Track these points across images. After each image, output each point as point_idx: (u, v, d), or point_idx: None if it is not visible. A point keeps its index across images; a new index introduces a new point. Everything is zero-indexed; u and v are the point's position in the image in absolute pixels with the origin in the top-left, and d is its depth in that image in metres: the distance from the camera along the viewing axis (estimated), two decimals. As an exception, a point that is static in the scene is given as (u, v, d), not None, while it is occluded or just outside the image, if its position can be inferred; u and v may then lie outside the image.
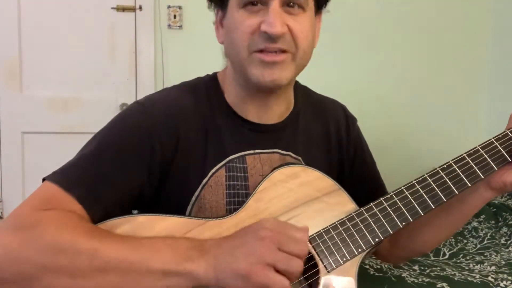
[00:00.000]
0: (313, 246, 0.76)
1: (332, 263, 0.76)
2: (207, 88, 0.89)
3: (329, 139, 0.96)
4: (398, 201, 0.79)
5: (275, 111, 0.89)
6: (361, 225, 0.78)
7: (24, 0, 2.33)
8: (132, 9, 2.39)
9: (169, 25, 2.43)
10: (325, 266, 0.76)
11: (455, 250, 1.46)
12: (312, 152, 0.93)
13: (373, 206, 0.79)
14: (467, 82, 2.66)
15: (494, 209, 1.78)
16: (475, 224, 1.65)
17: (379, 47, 2.54)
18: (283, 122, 0.90)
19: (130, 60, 2.43)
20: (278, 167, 0.83)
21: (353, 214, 0.79)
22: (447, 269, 1.29)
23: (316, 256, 0.76)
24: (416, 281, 1.17)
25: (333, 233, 0.77)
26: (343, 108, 1.01)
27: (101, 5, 2.37)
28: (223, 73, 0.90)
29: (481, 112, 2.62)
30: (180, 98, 0.86)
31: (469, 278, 1.21)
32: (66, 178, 0.75)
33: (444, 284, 1.15)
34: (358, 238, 0.77)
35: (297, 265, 0.66)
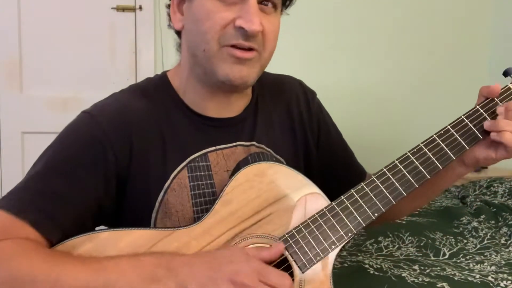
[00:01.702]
0: (285, 248, 0.75)
1: (306, 263, 0.74)
2: (157, 88, 0.85)
3: (291, 118, 0.93)
4: (369, 192, 0.77)
5: (236, 106, 0.86)
6: (333, 221, 0.76)
7: (24, 0, 2.33)
8: (132, 9, 2.39)
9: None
10: (299, 267, 0.74)
11: (455, 250, 1.46)
12: (276, 137, 0.90)
13: (345, 200, 0.77)
14: (467, 82, 2.66)
15: (494, 209, 1.78)
16: (475, 224, 1.65)
17: (379, 47, 2.54)
18: (242, 113, 0.87)
19: (130, 60, 2.43)
20: (243, 167, 0.79)
21: (325, 210, 0.77)
22: (447, 269, 1.28)
23: (289, 257, 0.74)
24: (416, 280, 1.17)
25: (305, 231, 0.75)
26: (300, 83, 0.98)
27: (101, 5, 2.37)
28: (175, 71, 0.86)
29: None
30: (130, 102, 0.82)
31: (469, 278, 1.21)
32: (15, 202, 0.70)
33: (444, 284, 1.15)
34: (331, 235, 0.75)
35: None
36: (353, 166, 0.91)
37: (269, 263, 0.71)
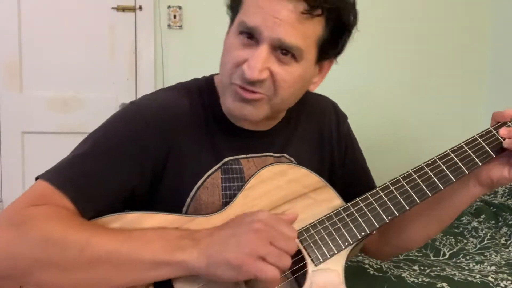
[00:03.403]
0: (300, 241, 0.77)
1: (320, 257, 0.77)
2: (201, 91, 0.88)
3: (322, 137, 0.96)
4: (383, 196, 0.80)
5: (269, 122, 0.89)
6: (348, 220, 0.79)
7: (24, 0, 2.33)
8: (132, 9, 2.39)
9: (169, 25, 2.43)
10: (312, 260, 0.77)
11: (455, 250, 1.46)
12: (305, 152, 0.93)
13: (359, 201, 0.80)
14: (466, 83, 2.66)
15: (494, 209, 1.78)
16: (475, 224, 1.65)
17: (378, 47, 2.53)
18: (276, 127, 0.91)
19: (130, 60, 2.43)
20: (267, 165, 0.84)
21: (340, 209, 0.80)
22: (447, 269, 1.29)
23: (303, 250, 0.77)
24: (416, 281, 1.17)
25: (319, 227, 0.78)
26: (334, 106, 1.01)
27: (101, 5, 2.37)
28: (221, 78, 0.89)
29: (481, 113, 2.62)
30: (175, 100, 0.85)
31: (469, 278, 1.21)
32: (59, 177, 0.75)
33: (444, 284, 1.15)
34: (344, 233, 0.78)
35: (286, 261, 0.68)
36: (370, 190, 0.93)
37: None
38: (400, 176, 0.82)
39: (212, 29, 2.51)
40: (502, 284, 1.18)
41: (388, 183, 0.81)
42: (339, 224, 0.79)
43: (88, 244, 0.66)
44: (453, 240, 1.54)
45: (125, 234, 0.70)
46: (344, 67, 2.52)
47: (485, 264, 1.34)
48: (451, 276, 1.21)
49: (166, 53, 2.43)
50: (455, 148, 0.83)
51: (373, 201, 0.80)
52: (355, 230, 0.78)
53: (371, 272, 1.22)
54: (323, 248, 0.77)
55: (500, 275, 1.23)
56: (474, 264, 1.35)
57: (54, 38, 2.36)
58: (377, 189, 0.81)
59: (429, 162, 0.82)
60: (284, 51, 0.75)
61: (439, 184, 0.80)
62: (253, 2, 0.75)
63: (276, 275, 0.66)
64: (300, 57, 0.77)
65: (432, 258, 1.41)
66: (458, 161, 0.81)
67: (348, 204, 0.81)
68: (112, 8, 2.38)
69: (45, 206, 0.70)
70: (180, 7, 2.42)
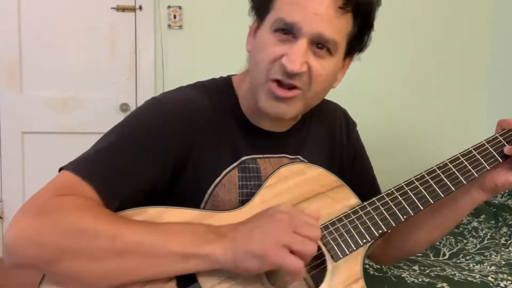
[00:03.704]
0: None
1: (339, 253, 0.79)
2: (220, 91, 0.90)
3: (333, 142, 0.99)
4: (399, 196, 0.84)
5: (286, 123, 0.92)
6: (365, 218, 0.82)
7: (24, 0, 2.33)
8: (132, 9, 2.39)
9: (169, 25, 2.43)
10: (332, 256, 0.79)
11: (455, 250, 1.46)
12: (316, 156, 0.95)
13: (376, 201, 0.84)
14: (467, 83, 2.66)
15: (494, 209, 1.78)
16: (475, 224, 1.65)
17: (378, 47, 2.53)
18: (291, 129, 0.93)
19: (130, 60, 2.43)
20: (287, 163, 0.86)
21: (357, 207, 0.83)
22: (447, 269, 1.29)
23: (323, 246, 0.79)
24: (416, 281, 1.17)
25: (338, 225, 0.81)
26: (344, 112, 1.04)
27: (101, 5, 2.37)
28: (241, 78, 0.91)
29: (481, 113, 2.62)
30: (197, 98, 0.86)
31: (469, 278, 1.21)
32: (86, 168, 0.75)
33: (444, 284, 1.15)
34: (362, 230, 0.81)
35: (312, 247, 0.68)
36: (375, 195, 0.94)
37: None
38: (413, 177, 0.85)
39: (212, 29, 2.52)
40: (502, 284, 1.18)
41: (402, 184, 0.85)
42: (357, 222, 0.81)
43: (118, 234, 0.67)
44: (453, 240, 1.54)
45: (153, 226, 0.71)
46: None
47: (485, 264, 1.34)
48: (451, 276, 1.21)
49: (166, 53, 2.43)
50: (464, 152, 0.87)
51: (388, 201, 0.83)
52: (372, 228, 0.81)
53: (371, 272, 1.22)
54: (342, 245, 0.79)
55: (500, 275, 1.23)
56: (474, 264, 1.35)
57: (54, 38, 2.36)
58: (392, 189, 0.84)
59: (441, 165, 0.86)
60: (320, 45, 0.78)
61: (451, 186, 0.84)
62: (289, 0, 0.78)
63: (300, 266, 0.66)
64: (335, 51, 0.80)
65: (432, 258, 1.41)
66: (467, 164, 0.86)
67: (365, 203, 0.83)
68: (112, 8, 2.38)
69: (72, 196, 0.70)
70: (180, 7, 2.42)
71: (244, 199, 0.85)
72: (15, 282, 2.17)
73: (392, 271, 1.22)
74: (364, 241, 0.80)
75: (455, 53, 2.61)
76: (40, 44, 2.35)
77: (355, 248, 0.80)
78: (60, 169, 0.76)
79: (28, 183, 2.39)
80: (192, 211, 0.78)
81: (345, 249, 0.79)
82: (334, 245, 0.79)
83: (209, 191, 0.84)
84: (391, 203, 0.83)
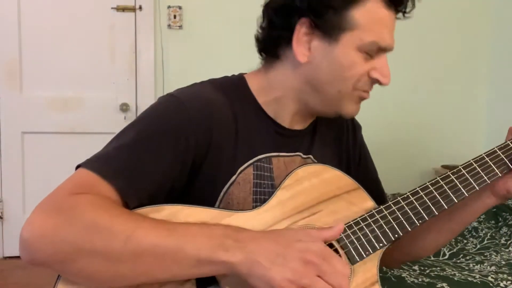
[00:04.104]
0: (337, 240, 0.79)
1: (356, 256, 0.79)
2: (236, 87, 0.89)
3: (341, 143, 0.99)
4: (414, 201, 0.84)
5: (307, 121, 0.92)
6: (382, 222, 0.82)
7: (24, 0, 2.33)
8: (132, 9, 2.39)
9: (169, 25, 2.43)
10: (349, 258, 0.79)
11: (455, 250, 1.46)
12: (326, 156, 0.96)
13: (392, 205, 0.84)
14: (467, 83, 2.66)
15: (494, 209, 1.78)
16: (475, 224, 1.65)
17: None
18: (307, 128, 0.93)
19: (130, 60, 2.43)
20: (303, 164, 0.86)
21: (373, 211, 0.83)
22: (447, 269, 1.29)
23: (340, 249, 0.79)
24: (416, 281, 1.17)
25: (355, 228, 0.81)
26: None
27: (101, 5, 2.37)
28: (255, 76, 0.91)
29: (481, 113, 2.62)
30: (213, 95, 0.86)
31: (469, 278, 1.21)
32: (105, 166, 0.74)
33: (444, 284, 1.15)
34: (379, 234, 0.81)
35: None
36: (380, 198, 0.96)
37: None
38: (428, 182, 0.86)
39: (212, 29, 2.52)
40: (502, 284, 1.18)
41: (418, 188, 0.85)
42: (374, 226, 0.82)
43: (133, 235, 0.66)
44: (453, 240, 1.54)
45: (170, 226, 0.69)
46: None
47: (485, 264, 1.34)
48: (451, 276, 1.21)
49: (166, 53, 2.43)
50: (477, 158, 0.88)
51: (404, 205, 0.84)
52: (388, 232, 0.82)
53: (371, 272, 1.22)
54: (359, 248, 0.79)
55: (500, 275, 1.23)
56: (474, 264, 1.35)
57: (54, 38, 2.36)
58: (408, 193, 0.85)
59: (454, 170, 0.87)
60: None
61: (464, 192, 0.85)
62: (379, 21, 0.82)
63: None
64: None
65: (432, 258, 1.41)
66: (480, 170, 0.87)
67: (381, 207, 0.84)
68: (112, 8, 2.38)
69: (89, 195, 0.69)
70: (180, 7, 2.42)
71: (257, 198, 0.85)
72: (15, 282, 2.17)
73: (392, 271, 1.22)
74: (381, 244, 0.80)
75: (455, 52, 2.61)
76: (40, 44, 2.36)
77: (372, 252, 0.80)
78: (78, 167, 0.75)
79: (28, 183, 2.39)
80: (209, 210, 0.77)
81: (362, 252, 0.79)
82: (352, 248, 0.79)
83: (224, 189, 0.84)
84: (406, 208, 0.84)
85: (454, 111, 2.64)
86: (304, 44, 0.83)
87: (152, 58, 2.43)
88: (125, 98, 2.41)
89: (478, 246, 1.51)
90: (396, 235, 0.81)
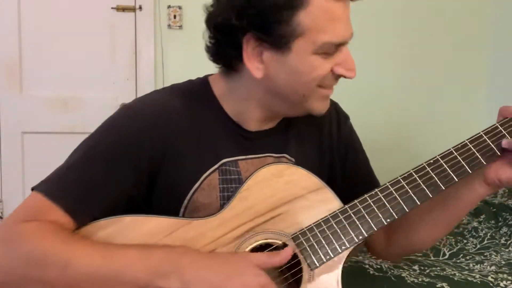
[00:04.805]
0: (296, 244, 0.76)
1: (316, 261, 0.75)
2: (199, 92, 0.87)
3: (321, 138, 0.95)
4: (382, 198, 0.77)
5: (274, 120, 0.89)
6: (345, 223, 0.77)
7: (24, 0, 2.33)
8: (132, 9, 2.39)
9: (169, 25, 2.43)
10: (308, 264, 0.75)
11: (455, 250, 1.46)
12: (305, 153, 0.92)
13: (358, 203, 0.78)
14: (466, 82, 2.66)
15: (494, 209, 1.78)
16: (475, 224, 1.65)
17: (378, 46, 2.53)
18: (276, 127, 0.90)
19: (130, 60, 2.43)
20: (263, 166, 0.82)
21: (337, 211, 0.78)
22: (447, 269, 1.29)
23: (299, 254, 0.76)
24: (416, 281, 1.17)
25: (316, 230, 0.77)
26: (334, 105, 1.00)
27: (101, 5, 2.36)
28: (218, 80, 0.88)
29: (480, 112, 2.62)
30: (170, 101, 0.84)
31: (469, 278, 1.21)
32: (52, 188, 0.75)
33: (444, 284, 1.16)
34: (341, 236, 0.76)
35: None
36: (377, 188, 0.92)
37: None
38: (400, 176, 0.79)
39: (212, 29, 2.52)
40: (502, 284, 1.18)
41: (387, 183, 0.79)
42: (336, 227, 0.76)
43: (68, 265, 0.67)
44: (453, 240, 1.54)
45: (107, 254, 0.69)
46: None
47: (485, 264, 1.34)
48: (451, 276, 1.21)
49: (166, 53, 2.43)
50: (459, 146, 0.79)
51: (371, 203, 0.77)
52: (352, 234, 0.76)
53: (371, 272, 1.22)
54: (320, 252, 0.75)
55: (500, 275, 1.23)
56: (474, 264, 1.35)
57: (54, 38, 2.36)
58: (376, 190, 0.79)
59: (431, 161, 0.79)
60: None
61: (441, 185, 0.77)
62: (329, 17, 0.75)
63: None
64: None
65: (432, 258, 1.41)
66: (461, 160, 0.78)
67: (346, 206, 0.78)
68: (112, 8, 2.37)
69: (34, 223, 0.71)
70: (180, 7, 2.42)
71: (224, 203, 0.82)
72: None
73: (392, 271, 1.22)
74: (343, 248, 0.75)
75: (455, 52, 2.61)
76: (40, 44, 2.35)
77: (332, 256, 0.75)
78: (32, 189, 0.76)
79: (28, 183, 2.38)
80: (168, 219, 0.76)
81: (322, 257, 0.75)
82: (311, 253, 0.75)
83: (188, 196, 0.82)
84: (373, 206, 0.77)
85: (455, 110, 2.64)
86: (256, 57, 0.78)
87: (152, 58, 2.43)
88: (125, 98, 2.41)
89: (478, 246, 1.51)
90: (361, 237, 0.76)
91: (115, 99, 2.40)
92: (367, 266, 1.24)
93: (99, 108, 2.36)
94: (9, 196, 2.40)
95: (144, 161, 0.79)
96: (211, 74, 0.91)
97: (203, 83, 0.89)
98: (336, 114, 0.98)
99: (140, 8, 2.39)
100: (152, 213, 0.78)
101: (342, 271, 0.77)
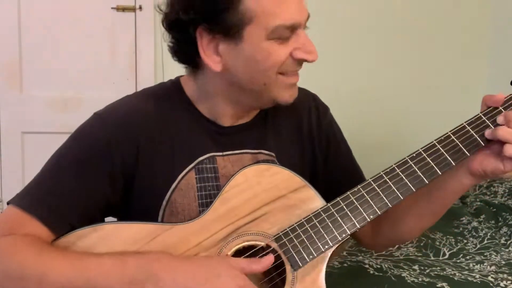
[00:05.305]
0: (279, 245, 0.76)
1: (299, 262, 0.75)
2: (169, 92, 0.88)
3: (301, 131, 0.94)
4: (365, 194, 0.77)
5: (249, 114, 0.89)
6: (328, 221, 0.76)
7: (24, 1, 2.33)
8: (132, 9, 2.39)
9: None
10: (291, 265, 0.75)
11: (455, 250, 1.46)
12: (285, 147, 0.91)
13: (340, 201, 0.77)
14: (466, 81, 2.66)
15: (494, 209, 1.78)
16: (475, 224, 1.65)
17: (377, 45, 2.53)
18: (251, 121, 0.90)
19: (130, 60, 2.42)
20: (243, 167, 0.81)
21: (320, 210, 0.77)
22: (447, 269, 1.29)
23: (282, 255, 0.75)
24: (416, 280, 1.17)
25: (299, 230, 0.76)
26: (313, 97, 0.99)
27: (101, 5, 2.36)
28: (189, 80, 0.88)
29: (479, 111, 2.62)
30: (139, 105, 0.85)
31: (469, 278, 1.21)
32: (27, 199, 0.76)
33: (444, 284, 1.16)
34: (324, 235, 0.75)
35: None
36: (357, 184, 0.91)
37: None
38: (382, 172, 0.78)
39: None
40: (502, 284, 1.18)
41: (370, 179, 0.78)
42: (319, 227, 0.76)
43: (43, 278, 0.67)
44: (453, 240, 1.53)
45: (82, 265, 0.69)
46: (344, 66, 2.52)
47: (485, 264, 1.34)
48: (451, 276, 1.21)
49: (166, 53, 2.43)
50: (442, 138, 0.78)
51: (354, 200, 0.76)
52: (335, 232, 0.75)
53: (371, 272, 1.22)
54: (303, 252, 0.75)
55: (500, 275, 1.23)
56: (474, 264, 1.35)
57: (54, 38, 2.36)
58: (359, 186, 0.78)
59: (414, 154, 0.78)
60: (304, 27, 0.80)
61: (424, 178, 0.76)
62: (275, 1, 0.75)
63: None
64: None
65: (432, 258, 1.40)
66: (444, 152, 0.76)
67: (329, 204, 0.78)
68: (112, 8, 2.37)
69: (9, 237, 0.71)
70: (180, 7, 2.42)
71: (202, 202, 0.83)
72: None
73: (392, 271, 1.22)
74: (327, 246, 0.75)
75: (455, 52, 2.61)
76: (40, 44, 2.35)
77: (316, 255, 0.74)
78: (8, 203, 0.77)
79: (28, 183, 2.39)
80: (149, 225, 0.76)
81: (305, 256, 0.74)
82: (294, 253, 0.74)
83: (166, 197, 0.82)
84: (356, 203, 0.76)
85: (455, 110, 2.63)
86: (212, 51, 0.79)
87: (152, 58, 2.42)
88: (125, 98, 2.41)
89: (478, 246, 1.51)
90: (344, 235, 0.75)
91: (115, 99, 2.38)
92: (367, 266, 1.24)
93: (99, 108, 2.35)
94: (9, 196, 2.35)
95: (116, 166, 0.79)
96: (183, 75, 0.91)
97: (174, 84, 0.90)
98: (316, 106, 0.97)
99: (140, 8, 2.39)
100: (132, 217, 0.79)
101: (327, 270, 0.77)
